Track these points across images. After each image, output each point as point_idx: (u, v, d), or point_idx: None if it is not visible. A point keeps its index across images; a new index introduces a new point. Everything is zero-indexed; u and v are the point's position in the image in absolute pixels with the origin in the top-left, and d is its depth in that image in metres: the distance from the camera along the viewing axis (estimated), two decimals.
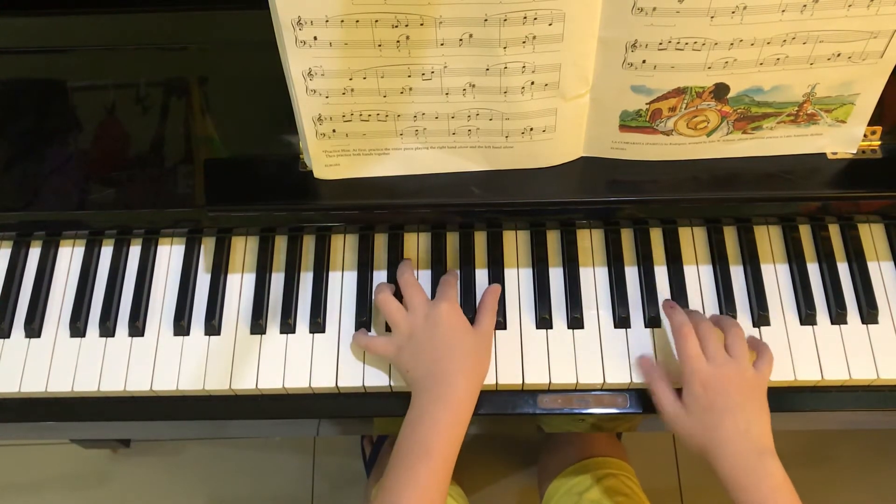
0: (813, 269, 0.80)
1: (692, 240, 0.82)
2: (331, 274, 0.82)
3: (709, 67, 0.67)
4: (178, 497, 1.46)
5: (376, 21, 0.63)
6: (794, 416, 0.79)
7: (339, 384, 0.77)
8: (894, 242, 0.81)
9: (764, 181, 0.75)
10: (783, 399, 0.77)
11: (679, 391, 0.71)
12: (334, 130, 0.72)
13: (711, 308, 0.79)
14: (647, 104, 0.70)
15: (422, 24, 0.63)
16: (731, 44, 0.65)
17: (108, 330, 0.79)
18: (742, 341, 0.71)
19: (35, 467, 1.48)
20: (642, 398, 0.76)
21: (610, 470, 0.97)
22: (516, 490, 1.43)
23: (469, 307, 0.78)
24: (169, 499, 1.46)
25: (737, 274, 0.80)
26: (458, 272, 0.80)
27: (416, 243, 0.83)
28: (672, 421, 0.71)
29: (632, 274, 0.81)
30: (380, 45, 0.65)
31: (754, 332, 0.78)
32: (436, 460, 0.66)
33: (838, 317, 0.78)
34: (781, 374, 0.75)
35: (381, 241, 0.83)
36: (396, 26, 0.63)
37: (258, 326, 0.79)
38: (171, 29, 0.81)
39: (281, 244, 0.83)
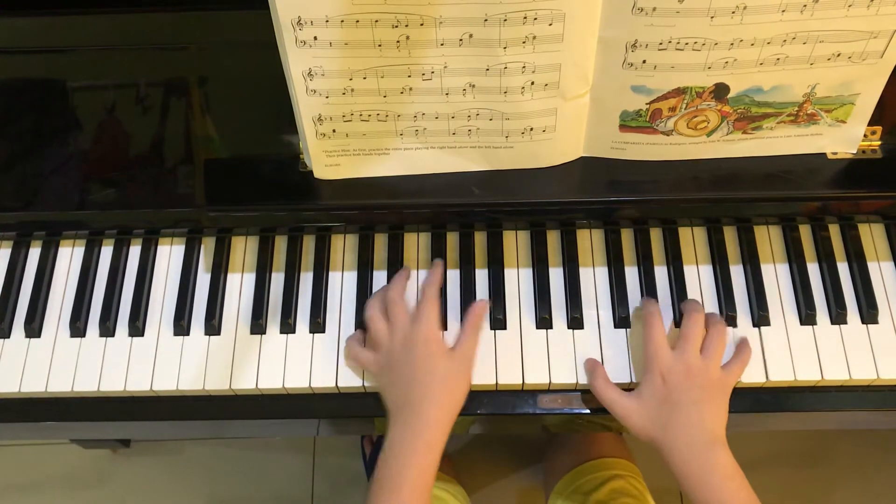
0: (813, 269, 0.80)
1: (692, 240, 0.82)
2: (331, 274, 0.81)
3: (709, 67, 0.67)
4: (178, 497, 1.46)
5: (376, 21, 0.63)
6: (794, 416, 0.79)
7: (339, 384, 0.77)
8: (894, 242, 0.81)
9: (764, 181, 0.75)
10: (783, 399, 0.77)
11: (627, 391, 0.72)
12: (334, 130, 0.72)
13: (711, 308, 0.79)
14: (647, 104, 0.70)
15: (422, 24, 0.63)
16: (731, 44, 0.65)
17: (108, 330, 0.79)
18: (719, 343, 0.71)
19: (35, 467, 1.48)
20: None
21: (616, 471, 0.97)
22: (517, 490, 1.43)
23: (468, 308, 0.78)
24: (169, 499, 1.46)
25: (737, 274, 0.80)
26: (442, 281, 0.78)
27: (416, 243, 0.83)
28: (624, 416, 0.71)
29: (632, 274, 0.81)
30: (380, 45, 0.65)
31: (754, 331, 0.77)
32: (406, 493, 0.66)
33: (838, 317, 0.78)
34: (781, 374, 0.75)
35: (381, 241, 0.83)
36: (396, 26, 0.63)
37: (258, 326, 0.79)
38: (171, 29, 0.82)
39: (281, 244, 0.83)
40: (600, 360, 0.76)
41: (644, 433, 0.70)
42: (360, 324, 0.79)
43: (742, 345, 0.74)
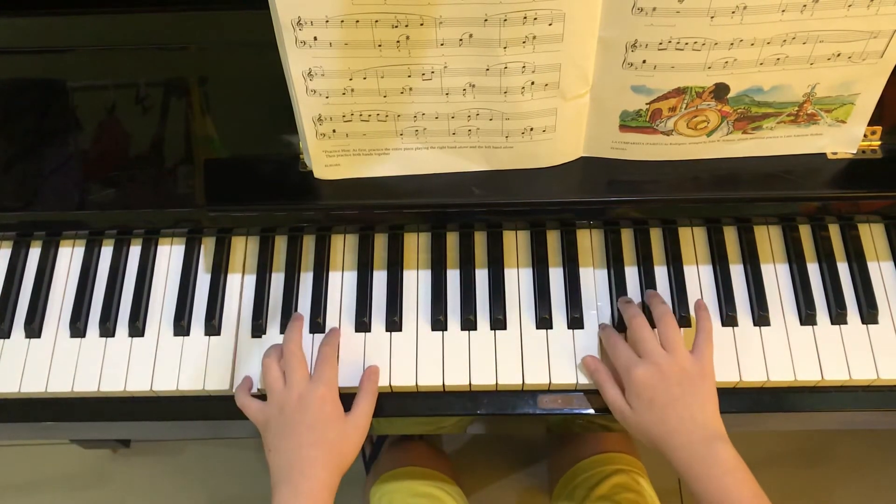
0: (813, 269, 0.80)
1: (692, 240, 0.82)
2: (331, 274, 0.81)
3: (709, 67, 0.67)
4: (178, 497, 1.46)
5: (376, 21, 0.63)
6: (794, 416, 0.79)
7: (339, 384, 0.76)
8: (894, 242, 0.81)
9: (764, 181, 0.75)
10: (783, 399, 0.77)
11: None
12: (334, 130, 0.72)
13: (711, 308, 0.78)
14: (647, 104, 0.70)
15: (422, 24, 0.63)
16: (731, 44, 0.65)
17: (108, 330, 0.79)
18: (673, 331, 0.71)
19: (35, 467, 1.48)
20: None
21: (620, 466, 0.97)
22: (516, 490, 1.42)
23: (468, 309, 0.78)
24: (169, 499, 1.46)
25: (737, 274, 0.80)
26: (340, 340, 0.77)
27: (416, 243, 0.83)
28: (622, 419, 0.71)
29: (632, 274, 0.81)
30: (380, 46, 0.65)
31: (754, 331, 0.77)
32: None
33: (838, 317, 0.78)
34: (781, 374, 0.75)
35: (381, 241, 0.83)
36: (396, 26, 0.63)
37: (258, 327, 0.79)
38: (171, 29, 0.82)
39: (281, 244, 0.83)
40: (600, 361, 0.76)
41: (640, 437, 0.70)
42: (361, 324, 0.79)
43: (700, 319, 0.73)
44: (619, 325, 0.78)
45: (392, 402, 0.77)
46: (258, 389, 0.76)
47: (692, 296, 0.79)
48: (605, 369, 0.74)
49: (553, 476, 1.07)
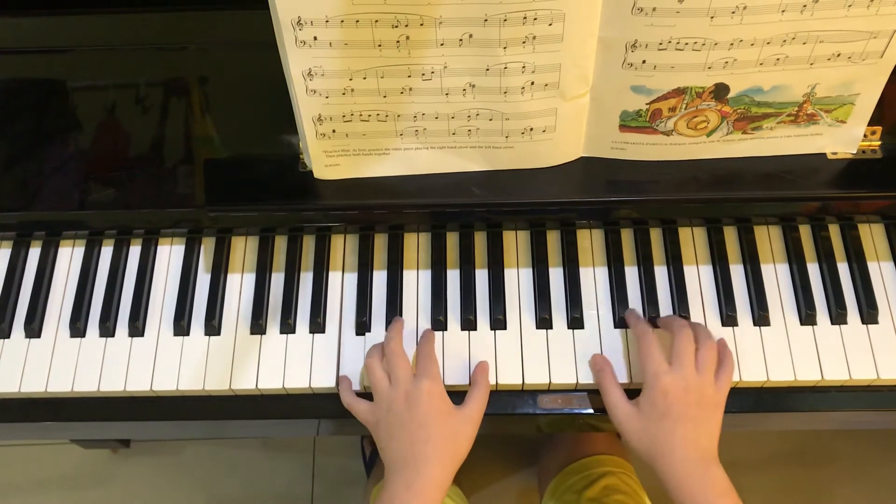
0: (813, 269, 0.80)
1: (692, 240, 0.82)
2: (331, 274, 0.81)
3: (709, 67, 0.67)
4: (178, 497, 1.46)
5: (376, 21, 0.63)
6: (794, 416, 0.79)
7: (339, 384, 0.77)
8: (894, 242, 0.81)
9: (764, 181, 0.75)
10: (783, 399, 0.77)
11: (630, 392, 0.72)
12: (334, 130, 0.72)
13: (711, 308, 0.79)
14: (647, 104, 0.70)
15: (422, 25, 0.63)
16: (731, 44, 0.65)
17: (108, 330, 0.79)
18: (712, 357, 0.71)
19: (35, 467, 1.48)
20: None
21: (609, 468, 0.97)
22: (516, 490, 1.43)
23: (468, 309, 0.79)
24: (169, 499, 1.46)
25: (737, 274, 0.80)
26: (435, 335, 0.77)
27: (416, 243, 0.83)
28: (622, 422, 0.71)
29: (632, 274, 0.81)
30: (380, 46, 0.65)
31: (754, 331, 0.78)
32: None
33: (838, 317, 0.78)
34: (781, 374, 0.75)
35: (381, 241, 0.83)
36: (396, 26, 0.63)
37: (258, 326, 0.79)
38: (171, 29, 0.82)
39: (281, 244, 0.83)
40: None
41: (639, 444, 0.70)
42: (361, 324, 0.79)
43: (724, 355, 0.74)
44: (619, 324, 0.78)
45: None
46: (363, 387, 0.76)
47: (692, 296, 0.79)
48: (611, 371, 0.74)
49: (542, 478, 1.07)
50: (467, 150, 0.74)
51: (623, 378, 0.76)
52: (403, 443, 0.69)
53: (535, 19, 0.63)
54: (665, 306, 0.79)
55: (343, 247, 0.83)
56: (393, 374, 0.72)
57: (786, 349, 0.77)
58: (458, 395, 0.73)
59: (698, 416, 0.69)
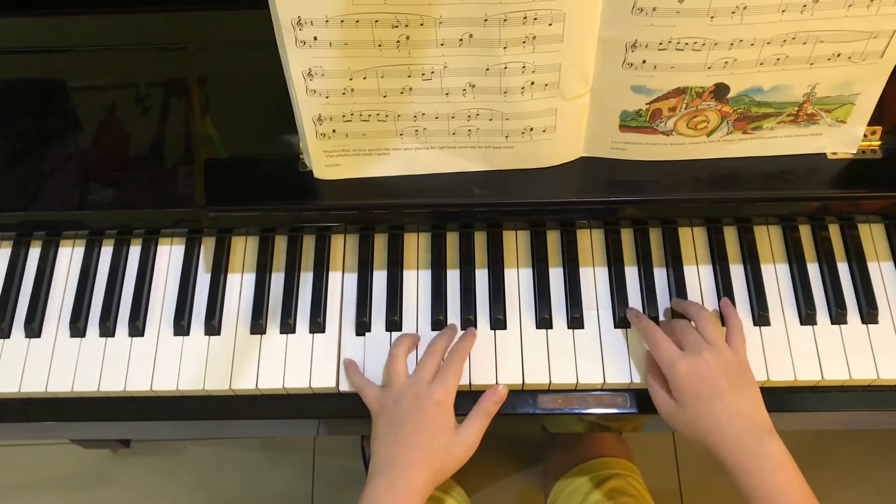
0: (813, 269, 0.80)
1: (692, 240, 0.82)
2: (331, 274, 0.81)
3: (709, 67, 0.67)
4: (178, 497, 1.46)
5: (376, 21, 0.63)
6: (794, 416, 0.79)
7: (339, 384, 0.77)
8: (894, 242, 0.81)
9: (764, 181, 0.75)
10: (783, 399, 0.77)
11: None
12: (334, 130, 0.72)
13: (711, 308, 0.78)
14: (647, 104, 0.70)
15: (422, 24, 0.63)
16: (731, 44, 0.65)
17: (108, 330, 0.79)
18: (712, 324, 0.71)
19: (35, 467, 1.48)
20: (643, 398, 0.76)
21: (615, 470, 0.96)
22: (516, 490, 1.42)
23: (468, 309, 0.79)
24: (169, 499, 1.46)
25: (737, 274, 0.80)
26: (476, 337, 0.77)
27: (416, 243, 0.83)
28: (668, 417, 0.71)
29: (632, 274, 0.81)
30: (380, 45, 0.65)
31: (754, 331, 0.77)
32: None
33: (838, 317, 0.78)
34: (781, 374, 0.75)
35: (381, 241, 0.83)
36: (396, 26, 0.63)
37: (258, 326, 0.79)
38: (171, 29, 0.82)
39: (281, 244, 0.83)
40: (600, 361, 0.76)
41: (690, 434, 0.69)
42: (361, 324, 0.79)
43: (727, 316, 0.74)
44: (619, 324, 0.78)
45: None
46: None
47: (692, 296, 0.79)
48: (655, 367, 0.73)
49: (548, 479, 1.07)
50: (467, 150, 0.74)
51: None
52: (398, 442, 0.69)
53: (535, 19, 0.63)
54: (665, 306, 0.79)
55: (343, 247, 0.83)
56: (417, 370, 0.72)
57: (786, 349, 0.76)
58: (458, 395, 0.72)
59: (730, 383, 0.68)
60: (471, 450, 0.71)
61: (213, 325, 0.79)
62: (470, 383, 0.76)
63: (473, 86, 0.68)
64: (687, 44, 0.65)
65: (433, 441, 0.69)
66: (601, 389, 0.77)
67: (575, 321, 0.78)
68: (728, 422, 0.66)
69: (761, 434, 0.66)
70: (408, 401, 0.70)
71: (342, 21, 0.63)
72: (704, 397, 0.67)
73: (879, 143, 0.76)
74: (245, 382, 0.77)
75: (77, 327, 0.79)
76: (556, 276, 0.81)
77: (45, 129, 0.81)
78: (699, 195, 0.76)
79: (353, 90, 0.68)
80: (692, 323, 0.73)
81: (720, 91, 0.69)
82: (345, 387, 0.77)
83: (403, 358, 0.74)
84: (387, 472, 0.68)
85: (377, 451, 0.70)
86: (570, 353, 0.77)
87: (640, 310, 0.78)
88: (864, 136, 0.75)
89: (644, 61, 0.67)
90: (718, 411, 0.67)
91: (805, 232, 0.82)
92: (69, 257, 0.83)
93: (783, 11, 0.63)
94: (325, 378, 0.77)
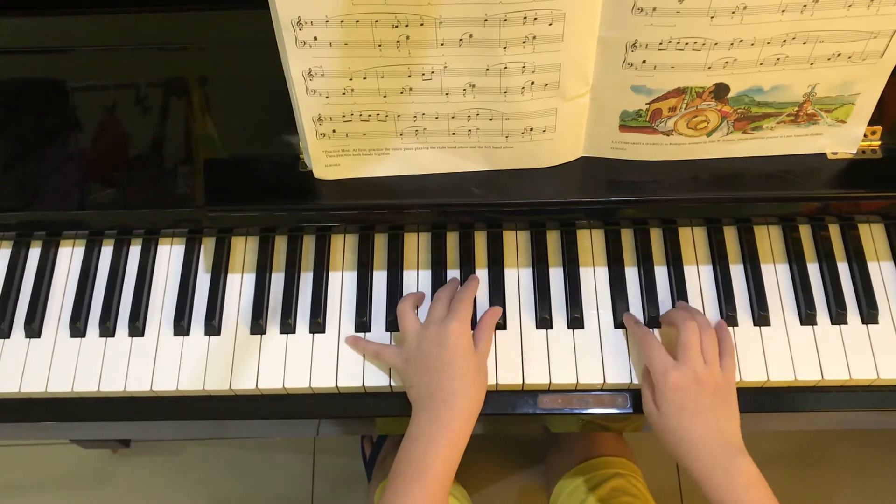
0: (813, 269, 0.80)
1: (692, 240, 0.82)
2: (331, 274, 0.82)
3: (709, 67, 0.67)
4: (178, 497, 1.46)
5: (376, 21, 0.63)
6: (794, 416, 0.79)
7: (339, 384, 0.77)
8: (894, 242, 0.81)
9: (764, 181, 0.75)
10: (783, 399, 0.77)
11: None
12: (334, 130, 0.72)
13: (711, 308, 0.79)
14: (647, 104, 0.70)
15: (422, 24, 0.63)
16: (731, 44, 0.65)
17: (108, 330, 0.79)
18: (714, 346, 0.72)
19: (35, 467, 1.48)
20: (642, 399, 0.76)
21: (617, 470, 0.97)
22: (517, 490, 1.42)
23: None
24: (169, 499, 1.46)
25: (737, 274, 0.80)
26: (479, 281, 0.79)
27: (416, 243, 0.83)
28: (648, 418, 0.72)
29: (632, 274, 0.81)
30: (380, 46, 0.65)
31: (754, 331, 0.78)
32: (430, 483, 0.67)
33: (838, 317, 0.78)
34: (781, 374, 0.75)
35: (381, 241, 0.83)
36: (396, 26, 0.63)
37: (258, 326, 0.79)
38: (171, 29, 0.82)
39: (281, 244, 0.83)
40: (600, 361, 0.76)
41: (665, 440, 0.70)
42: (360, 324, 0.79)
43: (723, 339, 0.74)
44: (619, 324, 0.78)
45: (394, 402, 0.77)
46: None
47: (692, 296, 0.79)
48: (646, 371, 0.74)
49: (550, 479, 1.07)
50: (467, 150, 0.74)
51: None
52: (432, 379, 0.71)
53: (535, 19, 0.63)
54: (665, 306, 0.79)
55: (343, 247, 0.83)
56: (430, 313, 0.74)
57: (786, 349, 0.77)
58: None
59: (715, 402, 0.69)
60: (487, 360, 0.75)
61: (213, 326, 0.79)
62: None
63: (473, 86, 0.68)
64: (687, 44, 0.65)
65: (466, 365, 0.71)
66: (601, 389, 0.77)
67: (575, 321, 0.78)
68: (704, 437, 0.68)
69: (734, 452, 0.67)
70: (429, 341, 0.72)
71: (342, 21, 0.63)
72: (687, 411, 0.68)
73: (879, 143, 0.76)
74: (245, 382, 0.77)
75: (77, 327, 0.79)
76: (556, 276, 0.81)
77: (46, 129, 0.81)
78: (699, 195, 0.76)
79: (353, 90, 0.68)
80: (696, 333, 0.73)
81: (720, 91, 0.69)
82: (345, 387, 0.77)
83: (412, 311, 0.76)
84: (429, 405, 0.70)
85: (414, 396, 0.72)
86: (570, 353, 0.77)
87: (641, 310, 0.78)
88: (865, 136, 0.75)
89: (644, 61, 0.67)
90: (698, 427, 0.68)
91: (805, 232, 0.82)
92: (69, 257, 0.83)
93: (783, 11, 0.63)
94: (325, 378, 0.77)
